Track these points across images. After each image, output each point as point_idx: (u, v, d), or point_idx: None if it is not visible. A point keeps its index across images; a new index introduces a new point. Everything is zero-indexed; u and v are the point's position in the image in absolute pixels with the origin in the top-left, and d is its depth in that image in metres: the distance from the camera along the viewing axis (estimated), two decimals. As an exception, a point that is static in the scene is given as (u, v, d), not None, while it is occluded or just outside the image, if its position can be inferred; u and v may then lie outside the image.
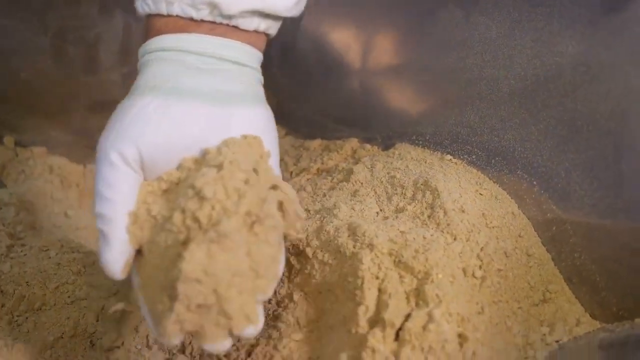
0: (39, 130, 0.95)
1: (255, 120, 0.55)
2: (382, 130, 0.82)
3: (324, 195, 0.74)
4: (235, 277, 0.48)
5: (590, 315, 0.63)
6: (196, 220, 0.48)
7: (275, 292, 0.66)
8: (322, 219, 0.68)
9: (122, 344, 0.65)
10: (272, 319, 0.64)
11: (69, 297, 0.70)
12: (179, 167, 0.52)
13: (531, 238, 0.66)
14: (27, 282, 0.70)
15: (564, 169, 0.64)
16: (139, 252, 0.52)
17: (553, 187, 0.65)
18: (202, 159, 0.52)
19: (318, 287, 0.63)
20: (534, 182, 0.66)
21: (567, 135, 0.63)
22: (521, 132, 0.67)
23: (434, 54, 0.75)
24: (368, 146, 0.83)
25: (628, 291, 0.60)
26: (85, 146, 0.96)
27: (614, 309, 0.61)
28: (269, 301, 0.66)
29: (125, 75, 0.94)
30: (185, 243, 0.48)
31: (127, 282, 0.70)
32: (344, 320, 0.59)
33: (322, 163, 0.84)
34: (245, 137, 0.53)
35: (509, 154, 0.68)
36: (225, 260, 0.47)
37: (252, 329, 0.50)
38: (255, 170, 0.51)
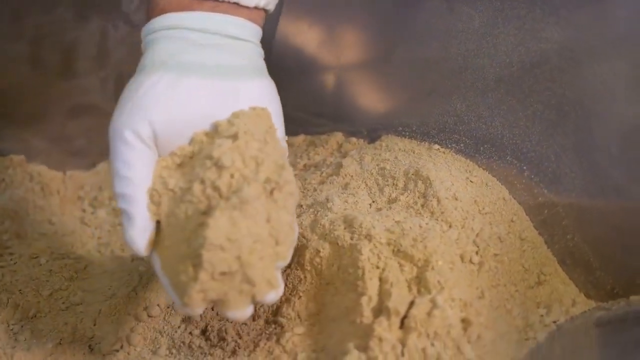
0: (17, 138, 0.93)
1: (261, 92, 0.57)
2: (366, 123, 0.82)
3: (315, 189, 0.75)
4: (257, 243, 0.49)
5: (585, 295, 0.64)
6: (216, 189, 0.49)
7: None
8: (315, 212, 0.68)
9: (121, 347, 0.64)
10: (272, 314, 0.64)
11: (63, 303, 0.69)
12: (192, 141, 0.53)
13: (523, 222, 0.67)
14: (19, 290, 0.69)
15: (554, 153, 0.65)
16: (157, 227, 0.53)
17: (543, 171, 0.66)
18: (214, 132, 0.53)
19: (317, 280, 0.64)
20: (524, 167, 0.67)
21: (555, 120, 0.64)
22: (509, 119, 0.68)
23: (416, 46, 0.76)
24: (354, 139, 0.84)
25: (622, 270, 0.62)
26: (64, 152, 0.95)
27: (608, 288, 0.63)
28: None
29: (103, 79, 0.93)
30: (206, 213, 0.49)
31: (123, 286, 0.70)
32: (347, 311, 0.59)
33: (309, 158, 0.84)
34: (253, 109, 0.54)
35: (498, 140, 0.69)
36: (247, 227, 0.48)
37: (274, 294, 0.51)
38: (265, 141, 0.53)
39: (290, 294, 0.64)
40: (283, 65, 0.88)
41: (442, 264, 0.58)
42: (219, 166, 0.50)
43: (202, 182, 0.50)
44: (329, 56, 0.85)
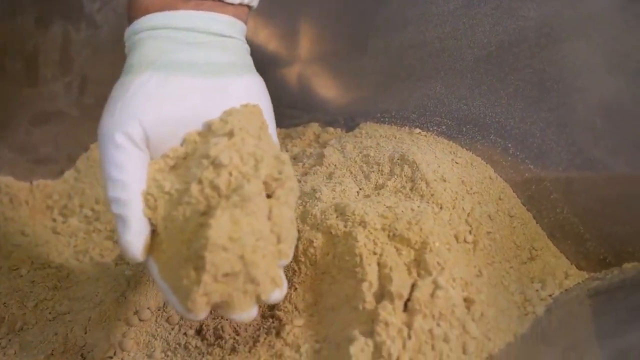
0: (-18, 150, 0.91)
1: (251, 89, 0.56)
2: (343, 111, 0.82)
3: (299, 181, 0.74)
4: (259, 241, 0.48)
5: (577, 267, 0.65)
6: (215, 188, 0.48)
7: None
8: (304, 204, 0.67)
9: (115, 353, 0.63)
10: (269, 308, 0.64)
11: (50, 313, 0.67)
12: (184, 142, 0.53)
13: (511, 199, 0.68)
14: (4, 304, 0.67)
15: (538, 128, 0.65)
16: (152, 232, 0.52)
17: (528, 147, 0.67)
18: (207, 131, 0.52)
19: (312, 271, 0.63)
20: (509, 145, 0.68)
21: (537, 96, 0.65)
22: (490, 98, 0.69)
23: (392, 32, 0.76)
24: (331, 129, 0.84)
25: (612, 239, 0.63)
26: (30, 161, 0.93)
27: (600, 258, 0.64)
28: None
29: (67, 85, 0.91)
30: (205, 213, 0.49)
31: (111, 291, 0.68)
32: (347, 299, 0.59)
33: (287, 151, 0.84)
34: (245, 106, 0.54)
35: (480, 120, 0.70)
36: (249, 224, 0.47)
37: (278, 293, 0.51)
38: (259, 138, 0.52)
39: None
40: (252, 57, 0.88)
41: (440, 245, 0.58)
42: (216, 165, 0.49)
43: (200, 182, 0.49)
44: (299, 48, 0.85)
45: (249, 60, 0.59)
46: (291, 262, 0.64)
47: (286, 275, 0.64)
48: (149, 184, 0.51)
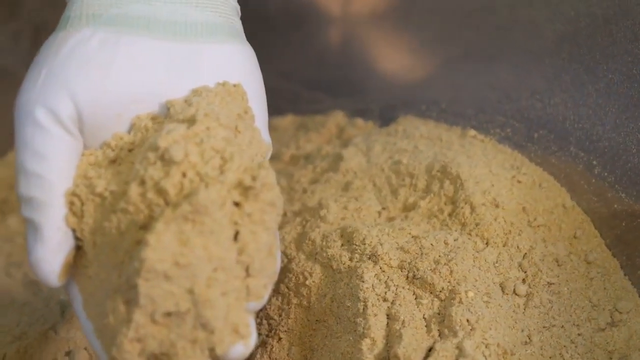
0: None
1: (234, 62, 0.55)
2: (378, 97, 0.83)
3: (304, 191, 0.75)
4: (218, 272, 0.47)
5: (677, 340, 0.64)
6: (161, 192, 0.47)
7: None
8: (303, 223, 0.68)
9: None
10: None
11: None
12: (132, 127, 0.52)
13: (591, 239, 0.67)
14: None
15: (636, 142, 0.65)
16: (77, 249, 0.52)
17: (621, 167, 0.66)
18: (165, 116, 0.52)
19: (304, 316, 0.64)
20: (594, 162, 0.68)
21: (638, 96, 0.65)
22: (574, 94, 0.69)
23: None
24: (360, 121, 0.84)
25: None
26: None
27: None
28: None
29: (14, 34, 0.93)
30: (146, 226, 0.47)
31: (38, 322, 0.70)
32: (342, 359, 0.59)
33: (298, 147, 0.85)
34: (222, 84, 0.53)
35: (558, 124, 0.70)
36: (203, 247, 0.46)
37: (241, 348, 0.48)
38: (237, 130, 0.51)
39: (267, 335, 0.65)
40: (266, 14, 0.88)
41: (474, 296, 0.58)
42: (165, 161, 0.47)
43: (142, 182, 0.48)
44: (328, 5, 0.85)
45: (237, 24, 0.58)
46: (277, 300, 0.65)
47: (271, 320, 0.65)
48: (77, 181, 0.51)
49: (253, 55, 0.58)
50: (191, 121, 0.49)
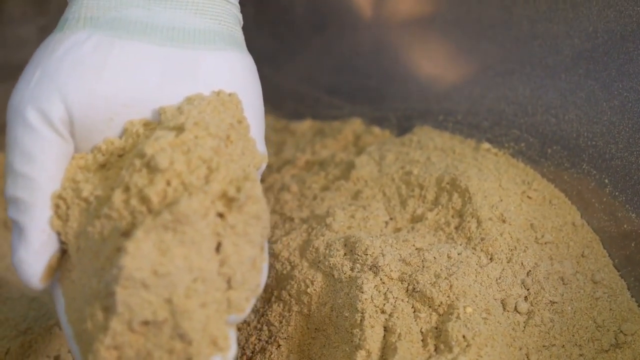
0: None
1: (231, 70, 0.56)
2: (396, 107, 0.83)
3: (315, 197, 0.75)
4: (198, 282, 0.47)
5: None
6: (145, 200, 0.48)
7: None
8: (309, 230, 0.68)
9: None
10: (238, 369, 0.65)
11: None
12: (124, 132, 0.52)
13: (599, 259, 0.67)
14: None
15: (648, 162, 0.65)
16: (63, 253, 0.52)
17: (632, 187, 0.66)
18: (157, 122, 0.52)
19: (304, 324, 0.64)
20: (606, 181, 0.67)
21: (652, 115, 0.65)
22: (588, 111, 0.68)
23: (470, 3, 0.76)
24: (377, 129, 0.84)
25: None
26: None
27: None
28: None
29: (42, 29, 0.94)
30: (127, 233, 0.47)
31: (44, 317, 0.71)
32: (337, 370, 0.60)
33: (313, 153, 0.85)
34: (217, 93, 0.53)
35: (572, 140, 0.69)
36: (183, 257, 0.46)
37: None
38: (229, 140, 0.51)
39: (267, 341, 0.65)
40: (292, 19, 0.89)
41: (472, 312, 0.58)
42: (151, 168, 0.48)
43: (127, 189, 0.48)
44: (353, 11, 0.86)
45: (238, 33, 0.58)
46: (279, 307, 0.66)
47: (272, 326, 0.65)
48: (64, 185, 0.51)
49: (252, 64, 0.58)
50: (180, 129, 0.49)
